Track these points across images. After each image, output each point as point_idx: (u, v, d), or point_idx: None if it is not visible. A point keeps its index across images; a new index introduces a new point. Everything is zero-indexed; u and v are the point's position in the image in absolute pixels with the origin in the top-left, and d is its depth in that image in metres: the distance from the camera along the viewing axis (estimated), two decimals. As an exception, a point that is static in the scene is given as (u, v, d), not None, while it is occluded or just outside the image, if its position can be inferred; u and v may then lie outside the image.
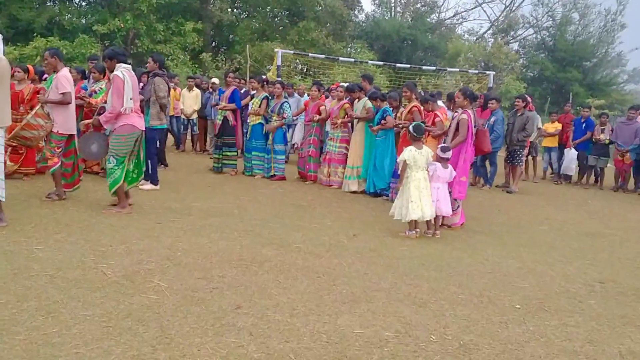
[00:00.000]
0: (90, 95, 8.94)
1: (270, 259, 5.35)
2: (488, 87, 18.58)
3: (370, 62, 24.15)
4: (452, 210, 7.24)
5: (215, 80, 13.35)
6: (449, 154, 7.05)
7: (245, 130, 10.82)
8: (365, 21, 37.18)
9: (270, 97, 10.43)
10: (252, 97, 10.85)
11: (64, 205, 6.87)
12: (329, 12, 28.42)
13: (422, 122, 7.53)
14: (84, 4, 27.53)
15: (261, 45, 26.40)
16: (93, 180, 8.66)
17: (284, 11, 29.72)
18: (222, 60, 25.60)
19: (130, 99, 6.74)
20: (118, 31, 23.58)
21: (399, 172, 7.50)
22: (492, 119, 11.04)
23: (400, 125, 8.86)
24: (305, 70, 24.32)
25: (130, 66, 6.94)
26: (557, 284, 5.34)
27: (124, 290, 4.25)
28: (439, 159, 7.02)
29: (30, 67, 8.86)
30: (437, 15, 40.63)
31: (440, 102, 9.69)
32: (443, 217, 7.16)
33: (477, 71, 23.65)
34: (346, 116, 10.02)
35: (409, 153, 6.79)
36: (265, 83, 10.89)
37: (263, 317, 3.94)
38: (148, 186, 8.50)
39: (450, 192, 7.20)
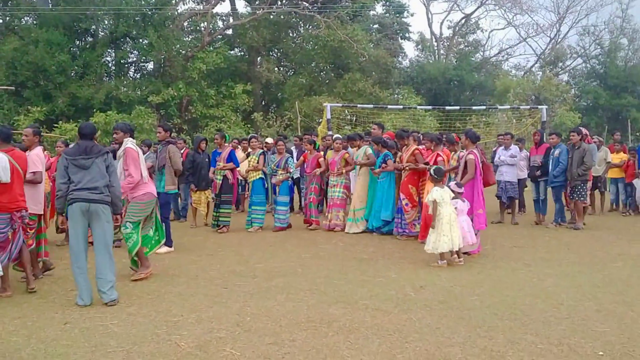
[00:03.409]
0: None
1: (338, 318, 5.31)
2: (542, 122, 18.26)
3: (418, 107, 24.22)
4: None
5: (269, 139, 13.60)
6: (462, 189, 7.94)
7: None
8: (409, 67, 37.50)
9: (266, 153, 11.37)
10: (248, 155, 11.68)
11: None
12: (373, 61, 28.78)
13: (441, 167, 8.37)
14: (137, 76, 28.80)
15: (310, 100, 26.85)
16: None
17: (329, 65, 30.27)
18: (273, 118, 26.11)
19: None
20: (172, 99, 24.45)
21: (404, 209, 9.73)
22: (557, 151, 10.89)
23: (405, 167, 9.77)
24: (354, 120, 24.56)
25: (135, 140, 7.25)
26: (641, 326, 5.09)
27: (198, 361, 4.29)
28: (454, 194, 7.85)
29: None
30: (481, 53, 40.68)
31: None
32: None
33: (528, 106, 23.37)
34: (347, 164, 10.85)
35: (437, 193, 7.62)
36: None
37: (338, 381, 3.90)
38: (164, 249, 8.66)
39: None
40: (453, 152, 9.36)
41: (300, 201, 13.30)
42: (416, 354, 4.43)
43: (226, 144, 11.39)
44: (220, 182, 10.85)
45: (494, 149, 13.48)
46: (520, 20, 54.98)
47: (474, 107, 23.73)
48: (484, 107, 24.95)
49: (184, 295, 6.18)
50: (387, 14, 35.28)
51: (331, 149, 11.40)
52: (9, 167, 6.11)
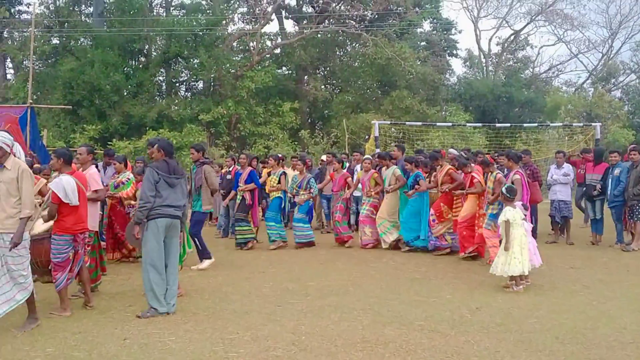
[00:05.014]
0: (117, 187, 9.02)
1: (394, 339, 5.26)
2: (596, 139, 17.82)
3: (468, 124, 23.99)
4: None
5: (324, 157, 13.65)
6: (527, 211, 7.76)
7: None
8: (457, 83, 37.14)
9: (286, 173, 11.17)
10: (269, 174, 11.32)
11: (188, 293, 7.13)
12: (420, 79, 28.67)
13: (512, 185, 7.86)
14: (188, 95, 29.43)
15: (356, 118, 26.93)
16: (214, 267, 8.83)
17: (376, 83, 30.30)
18: (320, 136, 26.26)
19: None
20: (221, 118, 24.89)
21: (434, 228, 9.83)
22: (617, 170, 10.60)
23: (444, 190, 9.80)
24: (401, 137, 24.45)
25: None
26: None
27: (256, 380, 4.30)
28: None
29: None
30: (531, 70, 40.03)
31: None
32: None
33: (581, 124, 22.87)
34: (377, 186, 10.81)
35: (510, 213, 7.31)
36: (281, 160, 11.71)
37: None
38: (205, 263, 8.74)
39: None
40: (489, 174, 8.95)
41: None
42: (476, 377, 4.35)
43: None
44: (239, 202, 10.74)
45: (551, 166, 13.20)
46: (571, 36, 54.00)
47: (524, 125, 23.29)
48: (536, 124, 24.43)
49: (238, 312, 6.23)
50: (435, 31, 35.18)
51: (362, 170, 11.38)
52: (77, 189, 6.12)
